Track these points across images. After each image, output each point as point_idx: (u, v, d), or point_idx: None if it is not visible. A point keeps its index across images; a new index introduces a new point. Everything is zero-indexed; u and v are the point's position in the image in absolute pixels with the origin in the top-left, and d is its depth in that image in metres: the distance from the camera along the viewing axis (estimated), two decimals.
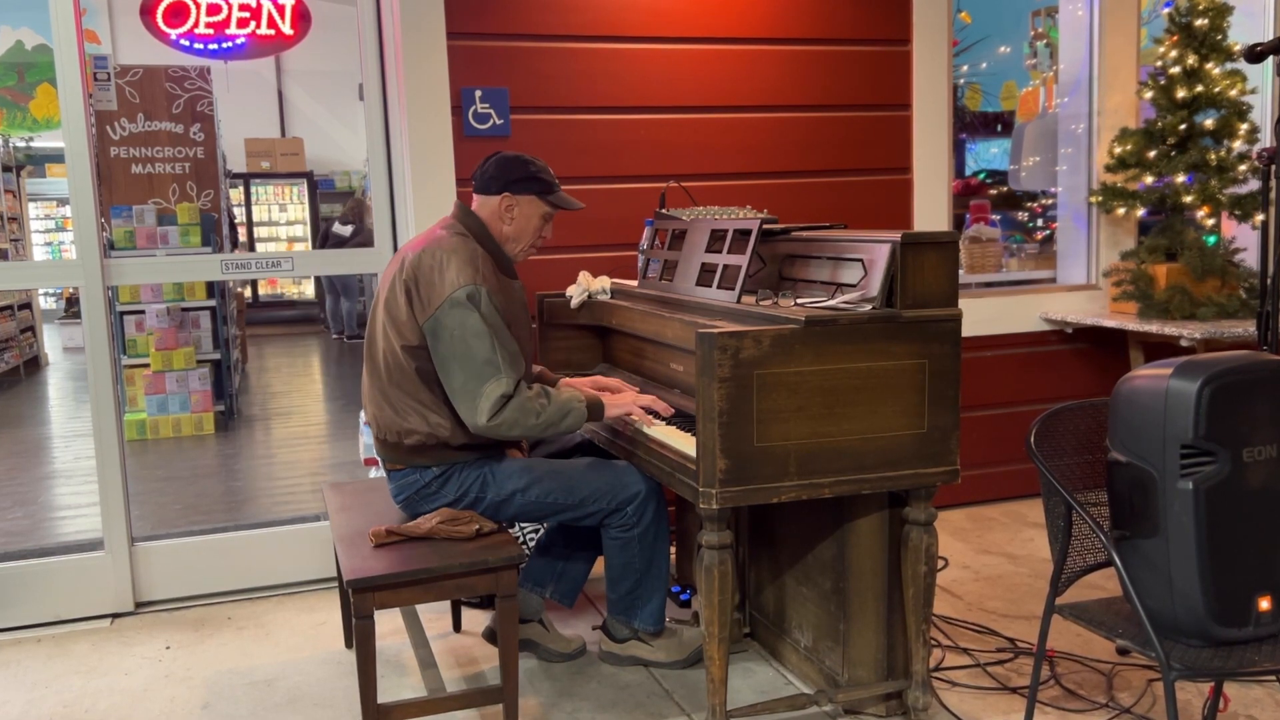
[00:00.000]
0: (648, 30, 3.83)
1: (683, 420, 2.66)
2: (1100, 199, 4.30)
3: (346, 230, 10.88)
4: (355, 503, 2.98)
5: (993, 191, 5.82)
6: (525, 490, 2.73)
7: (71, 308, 12.52)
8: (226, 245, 7.96)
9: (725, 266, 2.70)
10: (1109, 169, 4.29)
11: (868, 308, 2.34)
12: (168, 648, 3.25)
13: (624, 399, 2.73)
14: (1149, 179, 4.16)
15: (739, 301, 2.54)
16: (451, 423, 2.67)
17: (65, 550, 3.59)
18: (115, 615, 3.51)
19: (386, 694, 2.79)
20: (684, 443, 2.43)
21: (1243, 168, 4.06)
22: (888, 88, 4.12)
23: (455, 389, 2.59)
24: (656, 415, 2.71)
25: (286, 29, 9.35)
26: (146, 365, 6.65)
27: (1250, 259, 4.21)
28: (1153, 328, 3.92)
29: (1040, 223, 5.51)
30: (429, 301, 2.60)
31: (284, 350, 11.17)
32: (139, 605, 3.55)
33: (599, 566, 2.97)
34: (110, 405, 3.46)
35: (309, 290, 13.53)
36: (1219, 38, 4.08)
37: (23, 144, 10.92)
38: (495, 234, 2.78)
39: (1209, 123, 4.08)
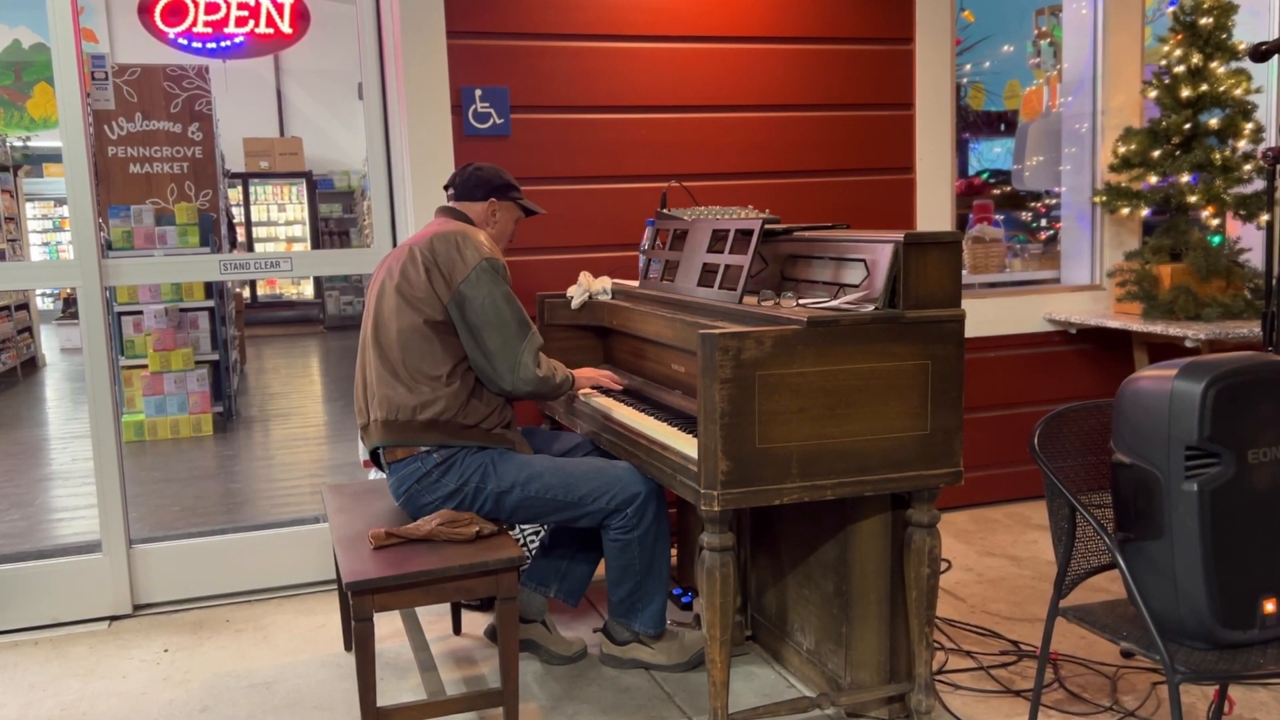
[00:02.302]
0: (649, 29, 3.82)
1: (684, 421, 2.65)
2: (1104, 199, 4.29)
3: None
4: (355, 504, 2.96)
5: (996, 191, 5.80)
6: (525, 484, 2.73)
7: (69, 308, 12.52)
8: (225, 245, 7.94)
9: (727, 267, 2.69)
10: (1113, 168, 4.28)
11: (870, 308, 2.33)
12: (166, 650, 3.23)
13: (586, 372, 3.09)
14: (1153, 179, 4.14)
15: (741, 302, 2.53)
16: (464, 397, 2.74)
17: (63, 553, 3.58)
18: (113, 618, 3.49)
19: (386, 697, 2.78)
20: (685, 444, 2.41)
21: (1248, 167, 4.05)
22: (890, 87, 4.11)
23: (493, 350, 2.72)
24: (606, 391, 3.06)
25: (285, 28, 9.32)
26: (144, 366, 6.64)
27: (1255, 259, 4.20)
28: (1157, 328, 3.90)
29: (1044, 223, 5.49)
30: (453, 275, 2.73)
31: (283, 351, 11.17)
32: (137, 608, 3.54)
33: (603, 568, 2.96)
34: (108, 406, 3.44)
35: (308, 290, 13.52)
36: (1224, 36, 4.06)
37: (20, 143, 10.90)
38: None
39: (1214, 122, 4.07)
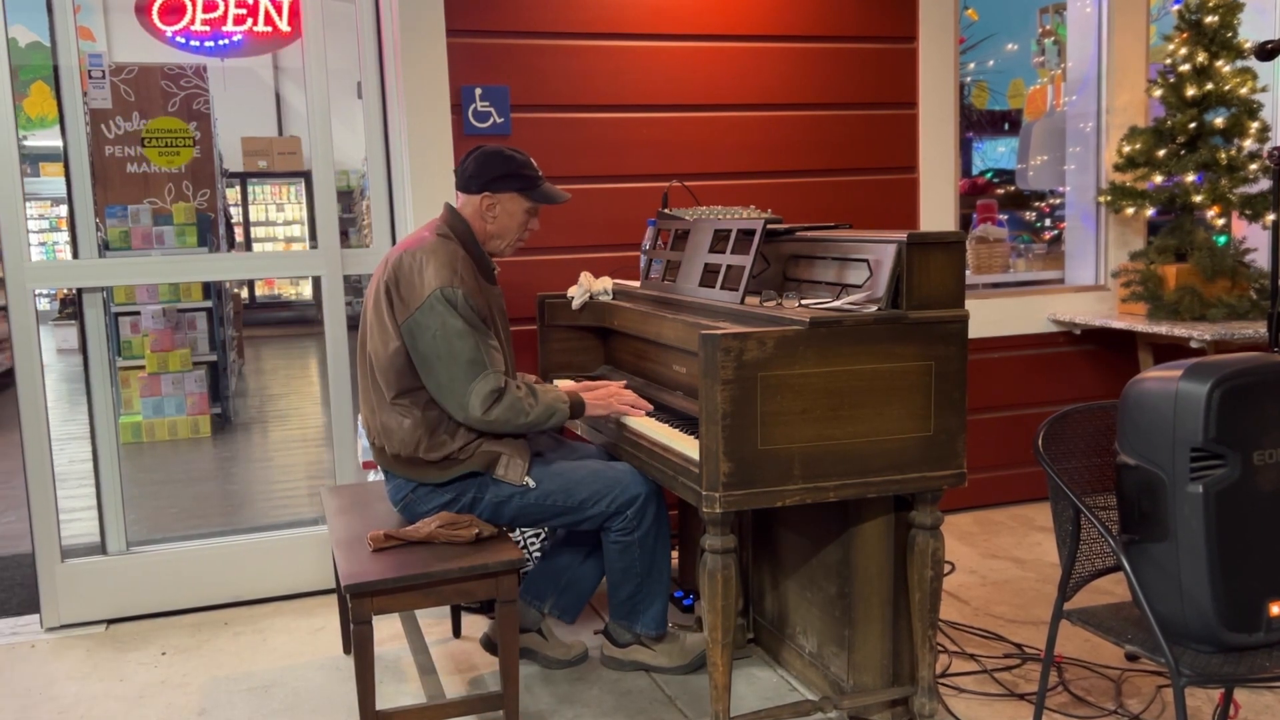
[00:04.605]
0: (650, 27, 3.80)
1: (685, 423, 2.63)
2: (1109, 198, 4.27)
3: None
4: (354, 506, 2.94)
5: (1000, 191, 5.79)
6: (524, 492, 2.71)
7: (65, 309, 12.47)
8: (223, 245, 7.91)
9: (729, 267, 2.67)
10: (1118, 168, 4.26)
11: (873, 309, 2.31)
12: (164, 653, 3.21)
13: (603, 396, 2.78)
14: (1158, 178, 4.12)
15: (743, 302, 2.51)
16: (423, 433, 2.66)
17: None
18: (111, 621, 3.47)
19: (385, 700, 2.76)
20: (686, 445, 2.39)
21: (1253, 167, 4.03)
22: (893, 86, 4.09)
23: (441, 385, 2.61)
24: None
25: (284, 26, 9.29)
26: (142, 367, 6.61)
27: (1261, 259, 4.17)
28: (1162, 329, 3.89)
29: (1048, 222, 5.48)
30: (408, 302, 2.62)
31: (281, 352, 11.14)
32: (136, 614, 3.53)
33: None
34: (343, 377, 3.68)
35: (306, 291, 13.48)
36: (1229, 35, 4.04)
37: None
38: (479, 233, 2.80)
39: (1219, 121, 4.05)
